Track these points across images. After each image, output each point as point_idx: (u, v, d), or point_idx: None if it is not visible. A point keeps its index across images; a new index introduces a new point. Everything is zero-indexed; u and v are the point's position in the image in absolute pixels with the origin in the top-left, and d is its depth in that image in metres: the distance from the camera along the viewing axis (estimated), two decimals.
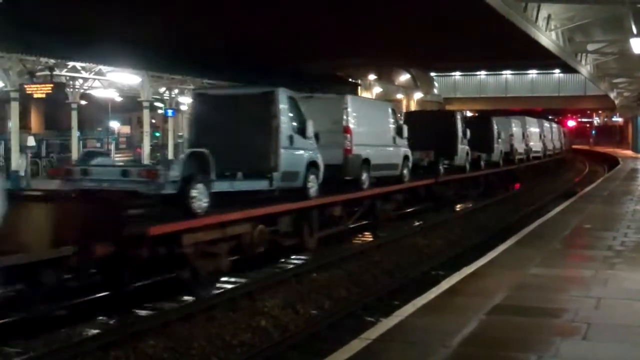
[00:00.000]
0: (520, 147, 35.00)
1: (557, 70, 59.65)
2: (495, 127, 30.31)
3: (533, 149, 38.43)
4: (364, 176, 17.30)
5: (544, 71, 62.18)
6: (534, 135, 39.15)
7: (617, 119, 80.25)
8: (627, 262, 10.67)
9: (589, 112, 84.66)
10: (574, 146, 67.04)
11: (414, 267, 14.21)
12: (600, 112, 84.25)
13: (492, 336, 6.91)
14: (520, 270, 10.10)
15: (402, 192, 20.32)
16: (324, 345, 8.55)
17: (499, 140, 30.71)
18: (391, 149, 19.40)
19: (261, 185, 13.57)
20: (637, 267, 10.30)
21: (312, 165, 14.76)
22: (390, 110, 20.14)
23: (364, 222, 18.90)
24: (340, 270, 13.38)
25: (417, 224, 20.25)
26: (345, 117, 16.92)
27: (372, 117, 18.67)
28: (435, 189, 23.00)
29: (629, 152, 62.50)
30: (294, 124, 14.39)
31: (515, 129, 34.59)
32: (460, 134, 25.24)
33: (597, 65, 39.39)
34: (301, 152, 14.50)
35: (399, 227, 19.19)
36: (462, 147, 25.44)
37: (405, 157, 20.06)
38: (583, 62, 35.61)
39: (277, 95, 13.96)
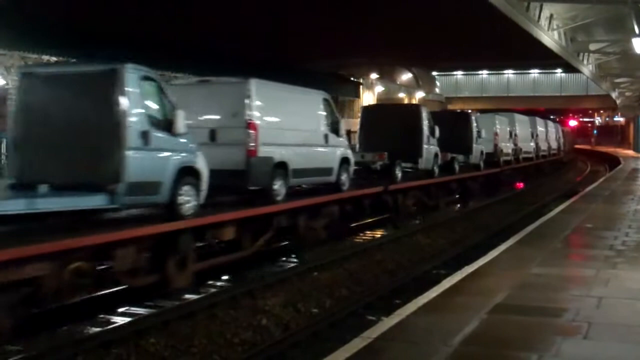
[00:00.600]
0: (506, 147, 32.00)
1: (559, 70, 59.72)
2: (474, 124, 26.95)
3: (523, 150, 35.40)
4: (278, 185, 13.56)
5: (546, 71, 62.26)
6: (524, 135, 36.10)
7: (619, 119, 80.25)
8: (628, 262, 10.66)
9: (590, 111, 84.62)
10: (577, 146, 67.09)
11: (415, 266, 14.21)
12: (601, 111, 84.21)
13: (493, 335, 6.91)
14: (522, 269, 10.10)
15: (339, 203, 16.18)
16: (325, 344, 8.56)
17: (479, 139, 27.43)
18: (322, 149, 15.45)
19: (95, 201, 9.79)
20: (638, 267, 10.30)
21: (185, 172, 10.99)
22: (321, 101, 15.94)
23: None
24: (341, 269, 13.38)
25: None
26: (248, 108, 13.02)
27: (292, 110, 14.62)
28: (387, 199, 18.83)
29: (630, 152, 62.55)
30: (154, 115, 10.71)
31: (501, 127, 31.41)
32: (426, 132, 21.48)
33: (599, 65, 39.35)
34: (165, 154, 10.69)
35: (331, 250, 15.49)
36: (429, 148, 21.71)
37: (344, 160, 16.19)
38: (585, 61, 35.58)
39: (122, 75, 10.16)
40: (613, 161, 49.25)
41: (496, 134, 30.21)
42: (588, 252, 11.79)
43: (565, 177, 42.86)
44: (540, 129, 40.72)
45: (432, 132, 21.92)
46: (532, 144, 37.90)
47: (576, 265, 10.87)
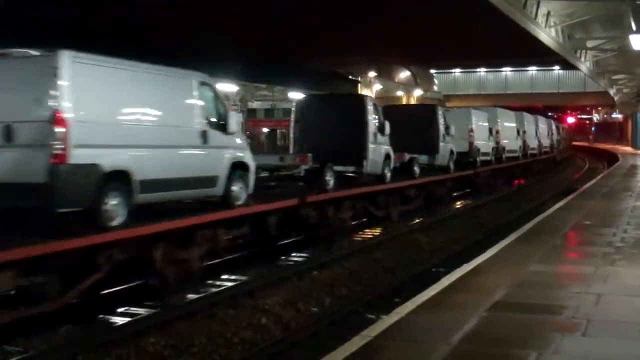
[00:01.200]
0: (485, 145, 28.52)
1: (556, 67, 59.75)
2: (441, 119, 23.28)
3: (507, 148, 32.06)
4: (112, 204, 9.70)
5: (544, 68, 62.30)
6: (508, 131, 32.93)
7: (617, 116, 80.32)
8: (627, 259, 10.67)
9: (588, 108, 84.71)
10: (574, 143, 67.13)
11: (414, 264, 14.22)
12: (599, 108, 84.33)
13: (492, 333, 6.92)
14: (521, 267, 10.11)
15: (225, 224, 12.29)
16: (324, 343, 8.57)
17: (448, 137, 23.75)
18: (197, 152, 11.63)
19: None
20: (637, 264, 10.31)
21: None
22: (195, 85, 11.83)
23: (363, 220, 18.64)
24: (341, 268, 13.39)
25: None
26: (55, 92, 9.17)
27: (140, 96, 10.74)
28: (308, 214, 14.99)
29: (628, 149, 62.63)
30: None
31: (477, 123, 27.71)
32: (371, 128, 17.86)
33: (596, 61, 39.42)
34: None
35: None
36: (377, 147, 18.11)
37: (237, 166, 12.31)
38: (583, 58, 35.63)
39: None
40: (611, 158, 49.29)
41: (472, 130, 26.58)
42: (587, 249, 11.80)
43: (564, 174, 42.89)
44: (529, 125, 37.66)
45: (380, 129, 18.28)
46: (519, 141, 34.73)
47: (575, 262, 10.88)
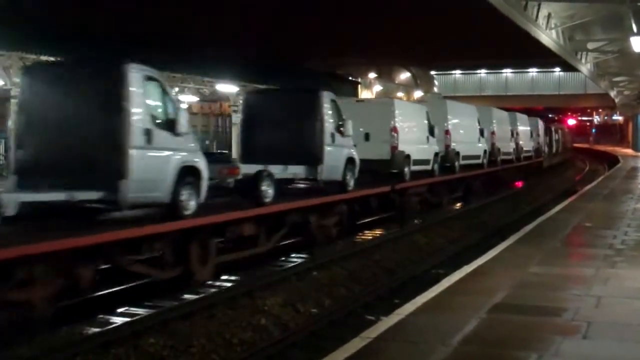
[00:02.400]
0: (420, 151, 20.66)
1: (557, 69, 59.67)
2: (326, 112, 15.43)
3: (463, 153, 24.30)
4: None
5: (544, 69, 62.21)
6: (466, 131, 25.27)
7: (618, 118, 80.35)
8: (627, 261, 10.66)
9: (589, 110, 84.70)
10: (575, 145, 67.04)
11: (414, 266, 14.20)
12: (600, 110, 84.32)
13: (492, 335, 6.90)
14: (521, 268, 10.09)
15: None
16: (324, 344, 8.55)
17: (337, 139, 15.65)
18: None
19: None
20: (637, 266, 10.29)
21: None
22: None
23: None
24: (340, 269, 13.36)
25: None
26: None
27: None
28: (190, 250, 11.40)
29: (629, 151, 62.68)
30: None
31: (403, 116, 20.04)
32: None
33: (597, 63, 39.39)
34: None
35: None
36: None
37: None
38: (583, 60, 35.61)
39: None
40: (612, 160, 49.30)
41: (394, 129, 19.20)
42: (587, 251, 11.79)
43: (564, 176, 42.85)
44: (501, 124, 30.60)
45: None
46: (482, 144, 26.99)
47: (575, 264, 10.86)
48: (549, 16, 25.39)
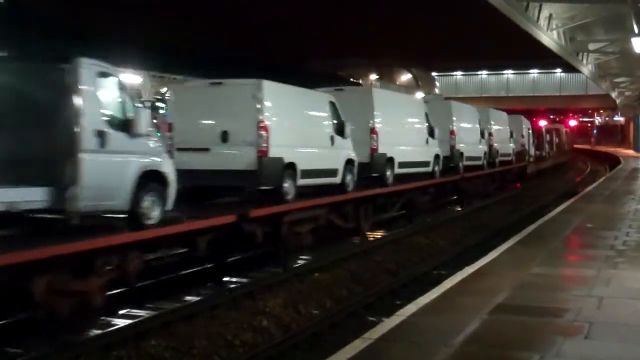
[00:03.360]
0: (307, 159, 13.90)
1: (558, 70, 59.72)
2: (90, 96, 9.25)
3: (402, 160, 17.89)
4: None
5: (546, 70, 62.25)
6: (405, 132, 18.78)
7: (619, 119, 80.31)
8: (629, 262, 10.66)
9: (590, 111, 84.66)
10: (576, 146, 67.01)
11: (415, 267, 14.20)
12: (601, 111, 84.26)
13: (494, 336, 6.90)
14: (523, 269, 10.09)
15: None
16: (325, 345, 8.56)
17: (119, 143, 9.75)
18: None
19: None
20: (639, 267, 10.29)
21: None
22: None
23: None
24: (341, 270, 13.36)
25: None
26: None
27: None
28: None
29: (630, 152, 62.66)
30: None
31: (273, 106, 13.24)
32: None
33: (598, 64, 39.36)
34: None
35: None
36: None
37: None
38: (584, 61, 35.59)
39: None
40: (613, 161, 49.28)
41: (262, 125, 12.65)
42: (589, 252, 11.78)
43: (566, 177, 42.81)
44: (467, 123, 24.45)
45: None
46: (431, 148, 20.15)
47: (577, 265, 10.85)
48: (550, 17, 25.39)
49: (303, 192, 13.77)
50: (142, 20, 23.47)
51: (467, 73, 65.45)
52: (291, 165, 13.26)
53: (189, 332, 9.31)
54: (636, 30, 23.31)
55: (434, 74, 61.73)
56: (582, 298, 8.33)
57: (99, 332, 9.41)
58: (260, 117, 12.61)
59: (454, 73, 65.34)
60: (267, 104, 12.86)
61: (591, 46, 33.25)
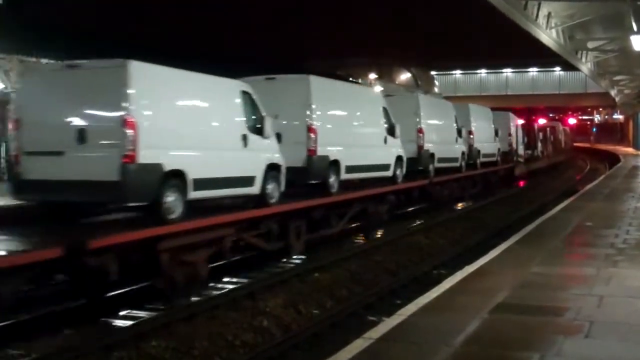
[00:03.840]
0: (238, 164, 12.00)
1: (557, 68, 59.70)
2: None
3: (352, 163, 15.34)
4: None
5: (545, 69, 62.23)
6: (358, 130, 16.39)
7: (618, 117, 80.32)
8: (629, 260, 10.65)
9: (589, 109, 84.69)
10: (575, 144, 66.99)
11: (415, 266, 14.20)
12: (600, 109, 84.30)
13: (494, 335, 6.90)
14: (522, 268, 10.09)
15: None
16: (326, 345, 8.55)
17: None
18: None
19: None
20: (639, 265, 10.29)
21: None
22: None
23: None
24: (342, 270, 13.36)
25: None
26: None
27: None
28: None
29: (630, 150, 62.67)
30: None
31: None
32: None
33: (597, 62, 39.38)
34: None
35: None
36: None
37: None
38: (583, 59, 35.61)
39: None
40: (612, 159, 49.29)
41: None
42: (589, 251, 11.77)
43: (565, 175, 42.82)
44: (439, 120, 22.25)
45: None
46: (391, 149, 17.76)
47: (577, 264, 10.85)
48: (549, 15, 25.39)
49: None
50: (141, 21, 23.50)
51: (466, 72, 65.43)
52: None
53: (190, 333, 9.30)
54: (635, 28, 23.33)
55: (433, 73, 61.72)
56: (582, 297, 8.32)
57: (99, 332, 9.40)
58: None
59: (454, 72, 65.33)
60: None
61: (590, 44, 33.27)
